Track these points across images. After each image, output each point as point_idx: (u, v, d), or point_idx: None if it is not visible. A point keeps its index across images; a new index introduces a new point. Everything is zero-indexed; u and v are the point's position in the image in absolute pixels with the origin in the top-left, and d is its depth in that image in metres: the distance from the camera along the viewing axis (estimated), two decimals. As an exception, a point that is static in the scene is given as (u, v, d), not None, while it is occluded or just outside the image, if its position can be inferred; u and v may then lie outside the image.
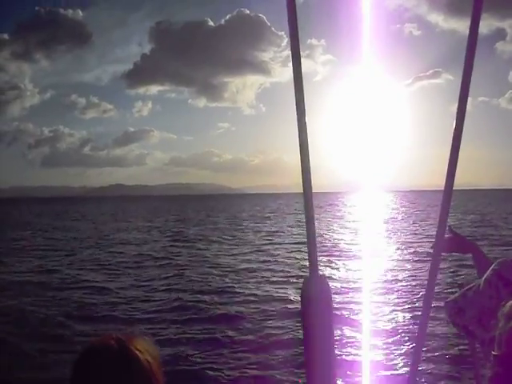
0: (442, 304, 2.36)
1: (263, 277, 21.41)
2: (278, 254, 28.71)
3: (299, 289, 1.42)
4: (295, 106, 1.42)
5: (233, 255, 28.91)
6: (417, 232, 41.00)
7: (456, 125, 1.45)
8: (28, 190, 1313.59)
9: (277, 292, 18.15)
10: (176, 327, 13.83)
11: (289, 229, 47.69)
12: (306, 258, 1.41)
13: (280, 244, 34.34)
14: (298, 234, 39.73)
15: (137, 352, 1.79)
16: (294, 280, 19.95)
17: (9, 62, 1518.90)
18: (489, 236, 35.28)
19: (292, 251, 29.67)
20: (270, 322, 14.51)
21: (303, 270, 22.28)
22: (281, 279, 20.74)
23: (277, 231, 45.62)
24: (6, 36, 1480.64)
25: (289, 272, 22.64)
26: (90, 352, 1.82)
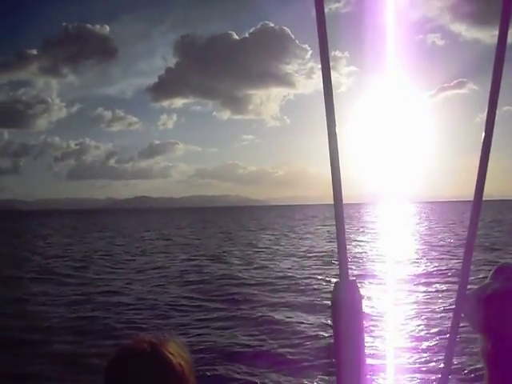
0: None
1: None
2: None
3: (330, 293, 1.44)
4: (325, 117, 1.43)
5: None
6: (441, 244, 40.53)
7: (485, 135, 1.44)
8: (55, 203, 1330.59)
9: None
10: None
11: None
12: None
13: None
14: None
15: (169, 355, 1.78)
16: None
17: (37, 76, 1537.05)
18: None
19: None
20: (301, 325, 14.77)
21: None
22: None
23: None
24: (34, 51, 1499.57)
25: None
26: (123, 355, 1.82)
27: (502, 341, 1.72)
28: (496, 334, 1.75)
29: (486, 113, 1.42)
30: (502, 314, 1.71)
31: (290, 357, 12.10)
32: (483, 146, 1.45)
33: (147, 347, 1.79)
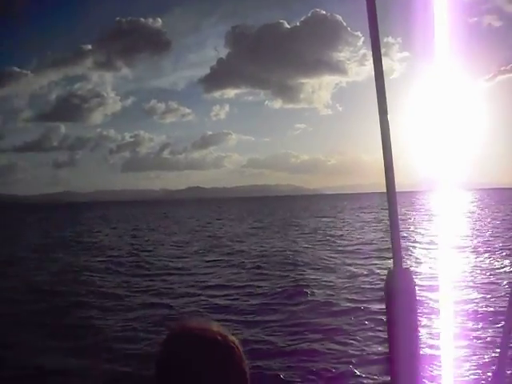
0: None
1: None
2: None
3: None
4: (377, 105, 1.42)
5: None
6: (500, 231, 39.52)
7: None
8: (111, 194, 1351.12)
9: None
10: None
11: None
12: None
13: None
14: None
15: (233, 345, 1.69)
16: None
17: (92, 71, 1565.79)
18: None
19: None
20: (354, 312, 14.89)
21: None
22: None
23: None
24: (89, 46, 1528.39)
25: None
26: (195, 344, 1.66)
27: None
28: None
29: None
30: None
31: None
32: None
33: (218, 337, 1.67)
